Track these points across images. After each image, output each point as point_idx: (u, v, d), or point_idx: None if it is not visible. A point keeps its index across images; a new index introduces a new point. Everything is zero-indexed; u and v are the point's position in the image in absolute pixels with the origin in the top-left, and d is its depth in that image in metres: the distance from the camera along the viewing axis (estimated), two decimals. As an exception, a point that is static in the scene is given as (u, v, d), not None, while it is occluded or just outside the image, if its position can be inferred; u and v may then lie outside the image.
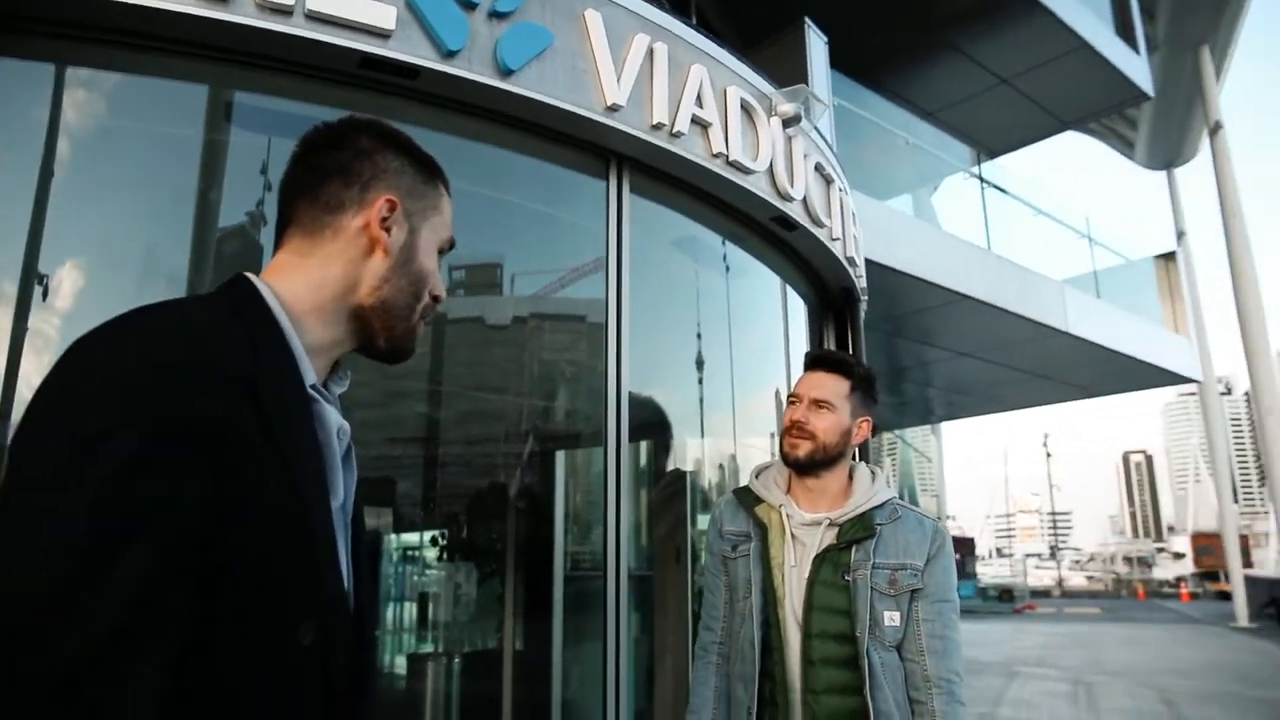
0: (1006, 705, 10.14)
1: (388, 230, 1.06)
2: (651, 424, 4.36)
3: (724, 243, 3.35)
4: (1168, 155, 18.91)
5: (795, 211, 3.00)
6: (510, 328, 5.13)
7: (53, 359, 0.80)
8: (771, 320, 3.78)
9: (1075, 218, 13.73)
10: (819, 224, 3.14)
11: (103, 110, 3.06)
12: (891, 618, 1.81)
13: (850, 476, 1.98)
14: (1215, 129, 16.01)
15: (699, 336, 3.82)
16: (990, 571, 54.44)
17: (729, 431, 4.10)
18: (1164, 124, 17.29)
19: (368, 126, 1.10)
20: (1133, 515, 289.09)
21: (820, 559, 1.85)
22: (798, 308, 3.71)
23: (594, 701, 2.65)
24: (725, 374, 3.93)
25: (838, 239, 3.32)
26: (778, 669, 1.85)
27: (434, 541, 6.31)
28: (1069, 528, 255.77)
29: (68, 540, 0.73)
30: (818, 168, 3.15)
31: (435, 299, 1.14)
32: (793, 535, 1.91)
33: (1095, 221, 13.88)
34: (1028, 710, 9.79)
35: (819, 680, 1.80)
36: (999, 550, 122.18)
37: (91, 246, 2.89)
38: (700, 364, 3.82)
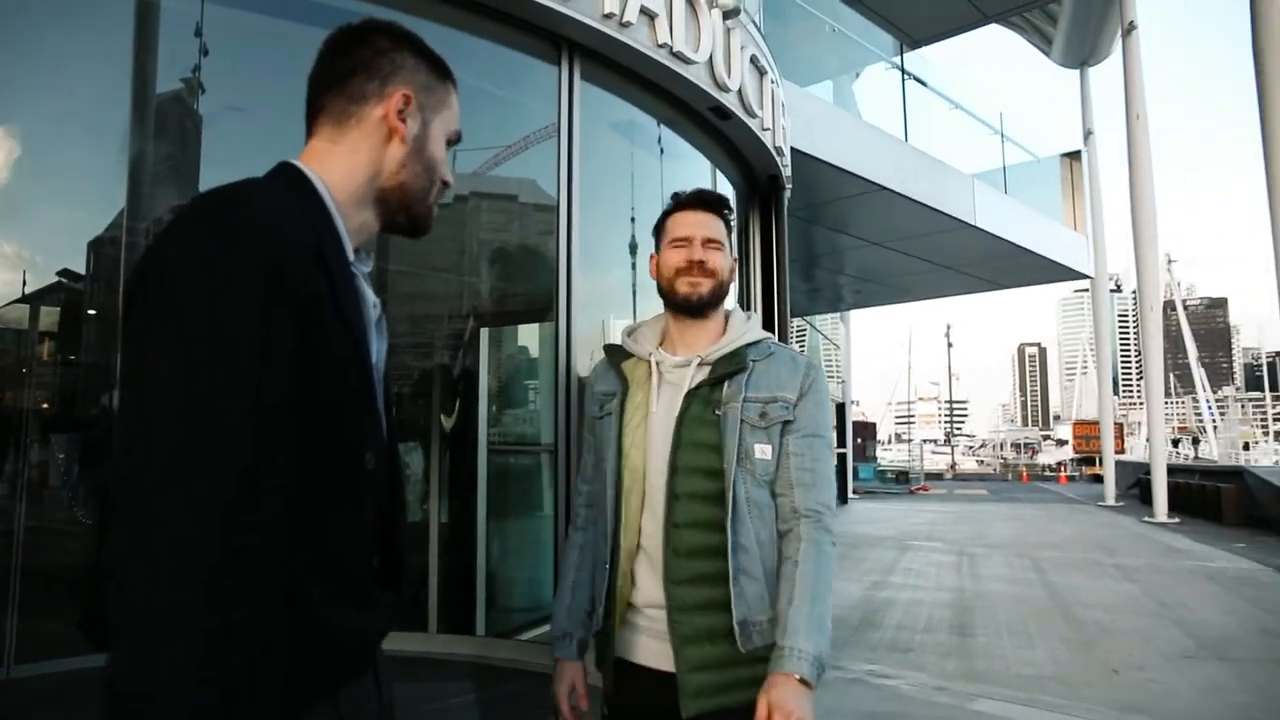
0: (898, 573, 10.98)
1: (404, 120, 1.20)
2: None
3: (659, 125, 3.47)
4: (1082, 53, 19.01)
5: (731, 102, 3.15)
6: (451, 206, 5.17)
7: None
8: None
9: (989, 113, 14.10)
10: (752, 114, 3.30)
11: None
12: (763, 450, 1.75)
13: (726, 320, 1.93)
14: (1129, 29, 16.16)
15: (633, 220, 3.98)
16: (889, 456, 57.22)
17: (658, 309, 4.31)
18: (1082, 20, 17.24)
19: (388, 28, 1.23)
20: (1023, 404, 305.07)
21: (691, 395, 1.80)
22: (726, 192, 3.90)
23: (516, 570, 2.73)
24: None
25: (768, 129, 3.49)
26: (636, 517, 1.80)
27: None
28: (965, 415, 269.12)
29: (210, 380, 0.88)
30: (753, 60, 3.28)
31: (445, 183, 1.29)
32: (661, 378, 1.86)
33: (1008, 118, 14.27)
34: (916, 577, 10.64)
35: (682, 514, 1.73)
36: (898, 436, 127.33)
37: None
38: (634, 248, 3.99)
